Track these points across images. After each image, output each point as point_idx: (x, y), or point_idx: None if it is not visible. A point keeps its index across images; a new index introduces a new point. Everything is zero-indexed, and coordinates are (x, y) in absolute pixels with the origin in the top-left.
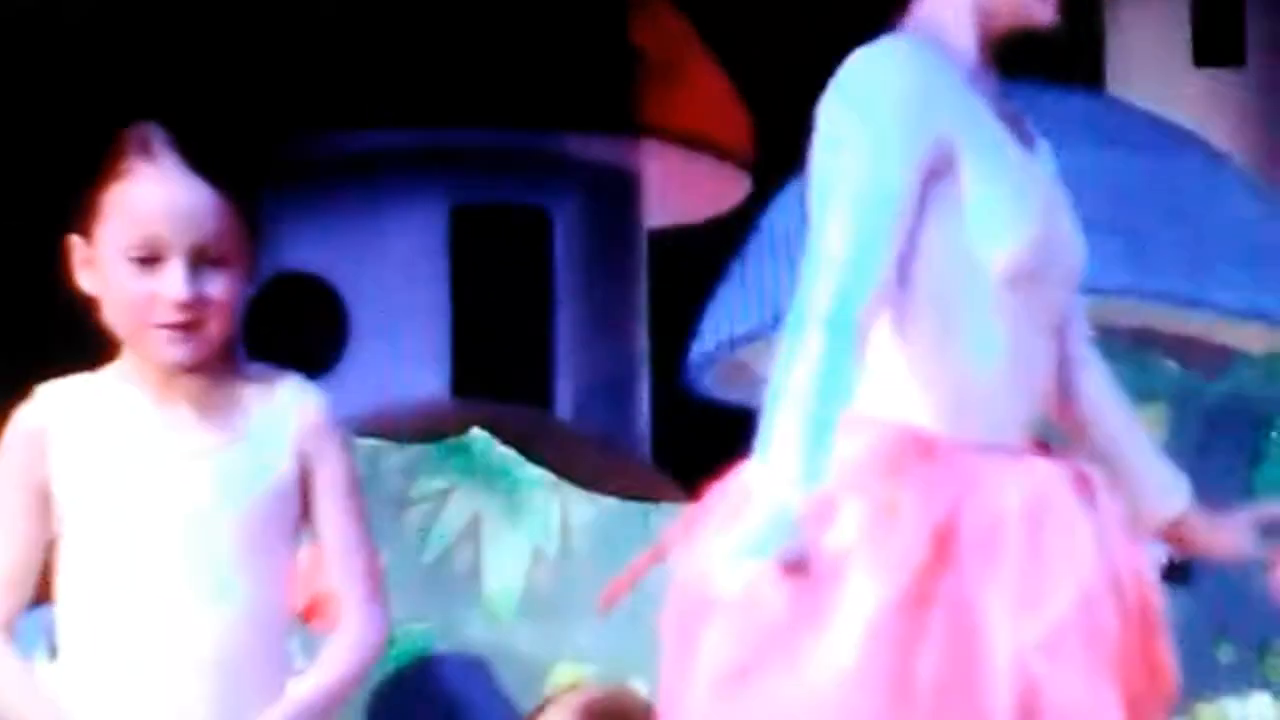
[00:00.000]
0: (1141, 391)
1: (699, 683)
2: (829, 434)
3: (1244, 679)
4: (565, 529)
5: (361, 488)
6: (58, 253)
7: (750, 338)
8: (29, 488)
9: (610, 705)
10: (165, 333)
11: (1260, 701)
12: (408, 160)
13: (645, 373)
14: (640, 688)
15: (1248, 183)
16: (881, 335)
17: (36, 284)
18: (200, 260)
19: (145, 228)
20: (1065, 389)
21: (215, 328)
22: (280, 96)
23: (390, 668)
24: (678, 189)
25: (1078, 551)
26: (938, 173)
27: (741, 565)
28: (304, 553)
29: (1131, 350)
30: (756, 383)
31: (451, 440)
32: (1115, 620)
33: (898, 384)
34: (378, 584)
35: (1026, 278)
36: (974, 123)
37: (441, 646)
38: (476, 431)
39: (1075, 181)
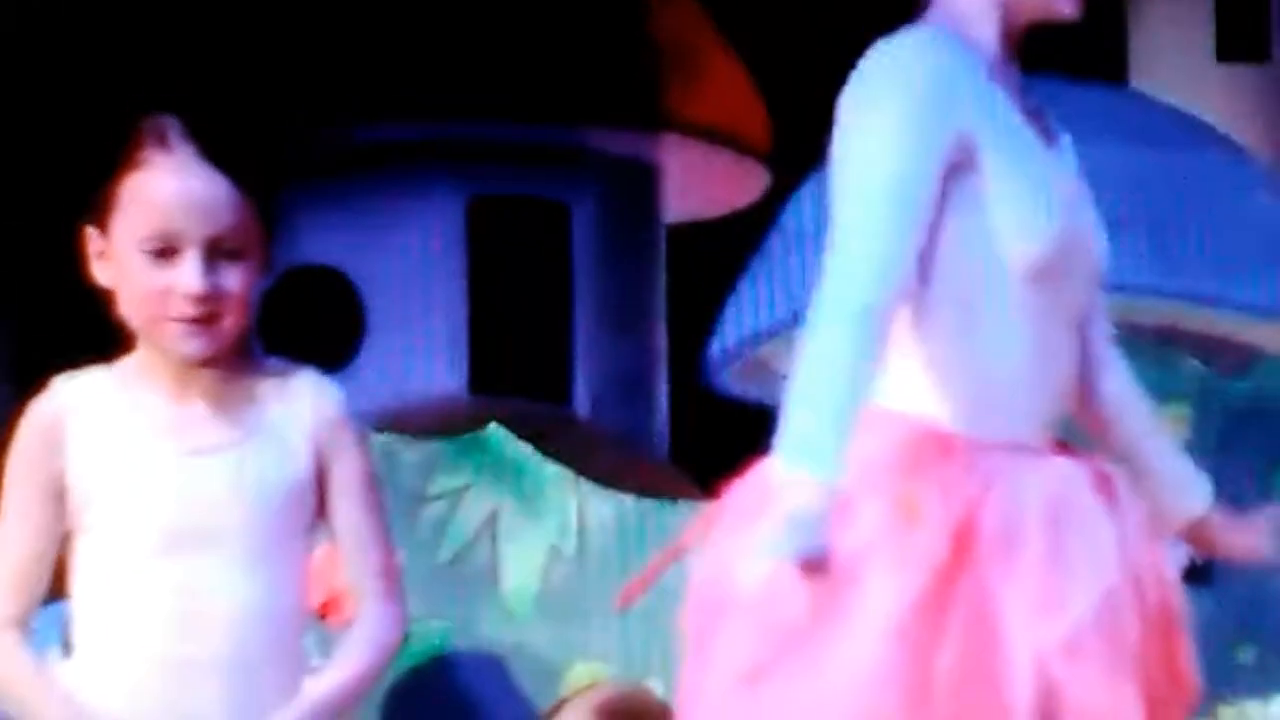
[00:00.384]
0: (1164, 390)
1: (717, 682)
2: (847, 429)
3: (1266, 680)
4: (582, 527)
5: (378, 484)
6: (73, 244)
7: (770, 334)
8: (43, 481)
9: (627, 705)
10: (180, 326)
11: None
12: (425, 153)
13: (664, 369)
14: (657, 687)
15: (1272, 179)
16: (901, 331)
17: (52, 276)
18: (215, 253)
19: (160, 220)
20: (1087, 387)
21: (230, 321)
22: (296, 88)
23: (406, 665)
24: (697, 183)
25: (1098, 552)
26: (959, 167)
27: (760, 564)
28: (320, 549)
29: (1154, 349)
30: (776, 380)
31: (468, 436)
32: (1136, 621)
33: (918, 380)
34: (394, 581)
35: (1048, 274)
36: (996, 117)
37: (458, 644)
38: (494, 428)
39: (1097, 177)
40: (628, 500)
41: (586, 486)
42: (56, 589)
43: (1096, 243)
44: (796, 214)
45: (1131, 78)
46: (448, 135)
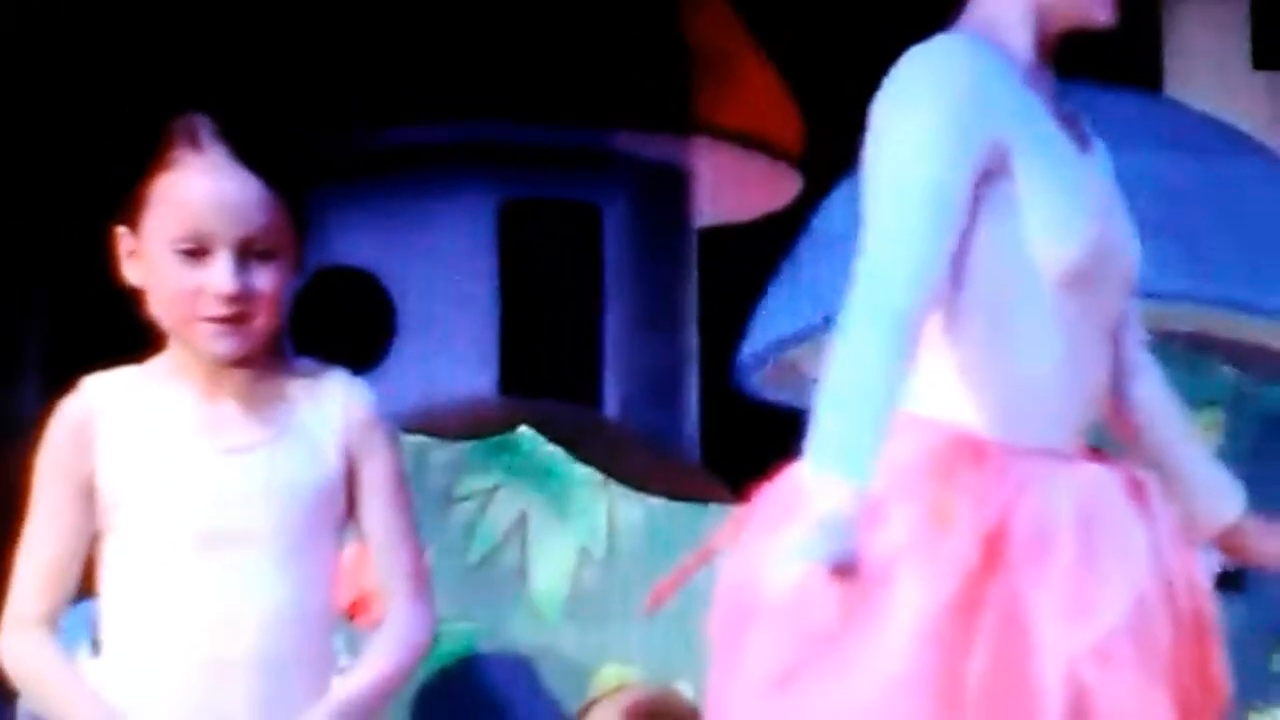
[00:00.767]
0: (1197, 397)
1: (746, 685)
2: (877, 433)
3: None
4: (612, 529)
5: (407, 484)
6: (104, 243)
7: (801, 338)
8: (73, 480)
9: (656, 707)
10: (211, 326)
11: None
12: (457, 155)
13: (694, 372)
14: (686, 690)
15: None
16: (934, 336)
17: (81, 275)
18: (247, 253)
19: (192, 220)
20: (1120, 394)
21: (262, 321)
22: (329, 89)
23: (435, 667)
24: (729, 187)
25: (1130, 558)
26: (992, 173)
27: (790, 567)
28: (350, 549)
29: (1187, 355)
30: (806, 383)
31: (498, 438)
32: (1168, 628)
33: (950, 385)
34: (423, 582)
35: (1082, 280)
36: (1029, 123)
37: (486, 646)
38: (524, 429)
39: (1132, 184)
40: (657, 503)
41: (616, 489)
42: (85, 587)
43: (1130, 249)
44: (828, 218)
45: (1167, 85)
46: (480, 137)
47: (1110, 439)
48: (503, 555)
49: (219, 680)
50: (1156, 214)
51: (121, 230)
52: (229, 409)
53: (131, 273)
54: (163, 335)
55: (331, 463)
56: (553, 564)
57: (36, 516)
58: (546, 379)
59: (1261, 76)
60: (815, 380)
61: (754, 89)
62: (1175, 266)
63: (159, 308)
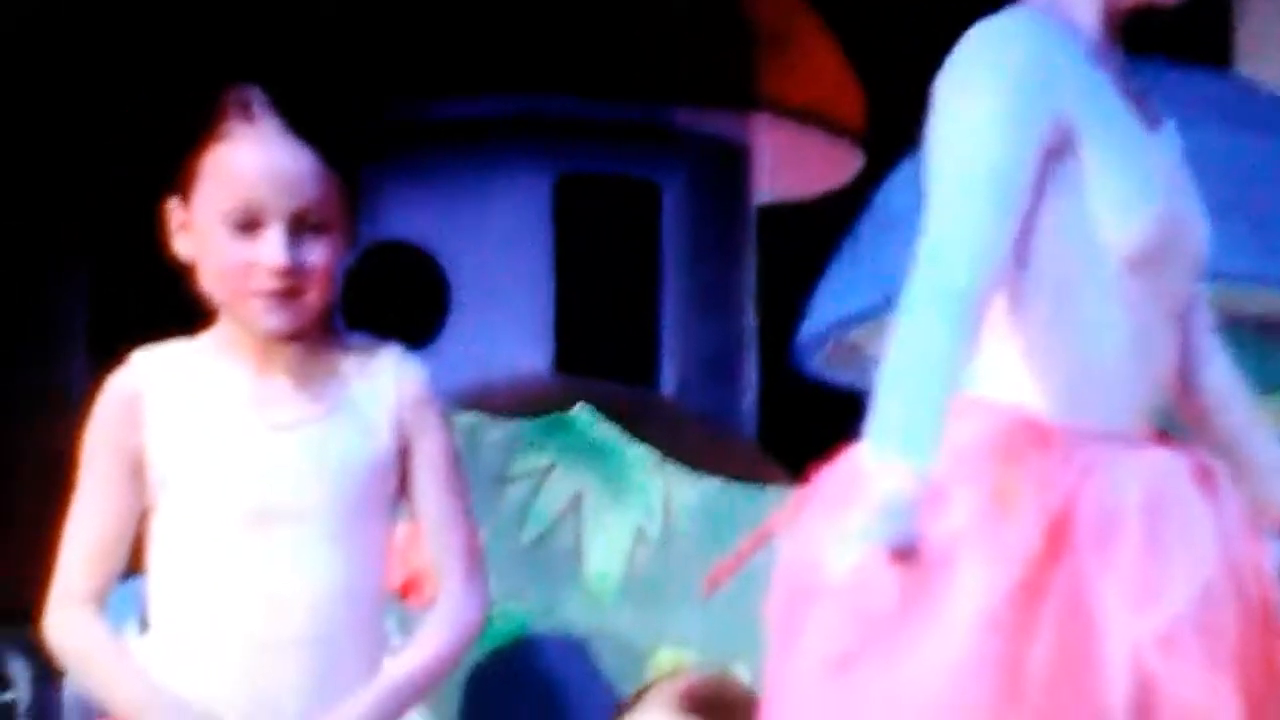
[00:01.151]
0: (1266, 381)
1: (804, 669)
2: (939, 415)
3: None
4: (668, 510)
5: (461, 463)
6: (153, 216)
7: (862, 318)
8: (122, 455)
9: (711, 692)
10: (263, 300)
11: None
12: (513, 129)
13: (753, 352)
14: (743, 674)
15: None
16: (998, 317)
17: (132, 249)
18: (300, 227)
19: (244, 192)
20: (1187, 379)
21: (314, 296)
22: (383, 60)
23: (488, 648)
24: (789, 164)
25: (1197, 546)
26: (1057, 151)
27: (850, 550)
28: (402, 528)
29: (1255, 338)
30: (867, 364)
31: (553, 417)
32: (1234, 617)
33: (1014, 368)
34: (476, 561)
35: (1148, 261)
36: (1096, 101)
37: (540, 628)
38: (579, 408)
39: (1201, 164)
40: (715, 484)
41: (673, 469)
42: (133, 564)
43: (1198, 230)
44: (890, 196)
45: (1237, 62)
46: (537, 111)
47: (1177, 423)
48: (557, 536)
49: (268, 659)
50: (1226, 194)
51: (172, 203)
52: (280, 384)
53: (182, 246)
54: (213, 309)
55: (384, 440)
56: (608, 545)
57: (84, 493)
58: (602, 357)
59: None
60: (876, 361)
61: (816, 65)
62: (1244, 247)
63: (210, 281)
